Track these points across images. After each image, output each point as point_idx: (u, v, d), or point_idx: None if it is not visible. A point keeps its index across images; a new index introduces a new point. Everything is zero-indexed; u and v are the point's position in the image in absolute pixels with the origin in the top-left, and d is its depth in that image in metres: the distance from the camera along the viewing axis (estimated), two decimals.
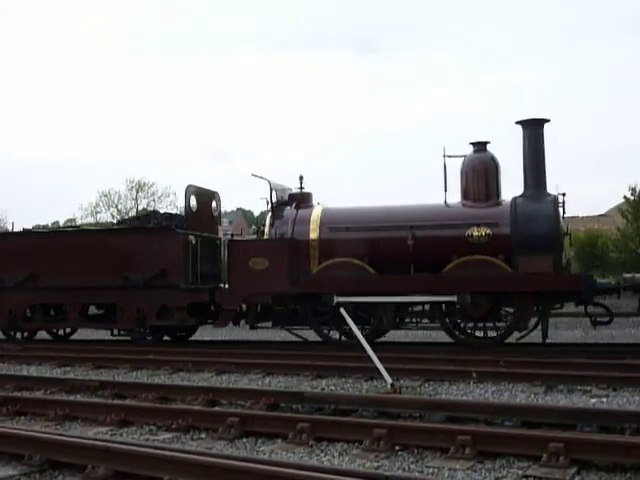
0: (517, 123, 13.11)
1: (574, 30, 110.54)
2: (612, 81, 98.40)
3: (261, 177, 14.00)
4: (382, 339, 13.33)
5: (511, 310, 12.70)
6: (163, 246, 14.05)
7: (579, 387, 8.57)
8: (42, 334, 15.88)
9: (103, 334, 15.73)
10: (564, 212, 12.95)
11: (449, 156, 13.36)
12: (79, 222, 42.78)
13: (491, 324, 12.78)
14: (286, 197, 14.38)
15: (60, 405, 7.62)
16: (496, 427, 6.41)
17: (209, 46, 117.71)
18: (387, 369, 8.34)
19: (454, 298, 12.36)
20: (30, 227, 21.92)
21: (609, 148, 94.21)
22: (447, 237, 12.93)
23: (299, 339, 14.02)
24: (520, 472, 5.18)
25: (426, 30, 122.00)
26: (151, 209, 37.85)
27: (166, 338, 15.01)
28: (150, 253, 14.07)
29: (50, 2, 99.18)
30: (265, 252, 13.52)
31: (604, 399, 7.89)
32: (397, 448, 5.82)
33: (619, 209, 36.46)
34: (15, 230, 17.41)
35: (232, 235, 15.48)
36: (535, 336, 12.59)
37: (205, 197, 15.40)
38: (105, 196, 45.72)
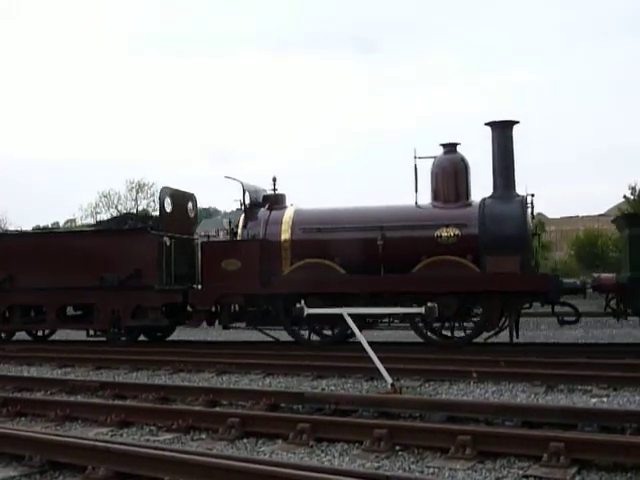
0: (486, 125, 13.26)
1: (574, 30, 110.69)
2: (612, 81, 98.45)
3: (234, 179, 14.25)
4: (382, 339, 13.33)
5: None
6: (138, 247, 14.25)
7: (580, 387, 8.57)
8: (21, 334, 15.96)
9: (76, 335, 15.88)
10: (533, 213, 13.23)
11: (420, 157, 13.52)
12: (79, 223, 42.74)
13: (460, 324, 12.92)
14: (260, 199, 14.53)
15: (60, 406, 7.61)
16: (496, 427, 6.40)
17: (209, 46, 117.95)
18: (387, 369, 8.34)
19: (421, 310, 12.49)
20: (30, 228, 21.93)
21: (609, 148, 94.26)
22: (416, 238, 13.06)
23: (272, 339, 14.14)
24: (521, 472, 5.18)
25: (426, 30, 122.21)
26: (151, 210, 37.87)
27: (143, 339, 15.24)
28: (125, 254, 14.25)
29: (50, 2, 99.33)
30: (237, 253, 13.72)
31: (605, 399, 7.89)
32: (397, 448, 5.82)
33: (619, 209, 36.42)
34: None
35: (209, 237, 15.65)
36: (535, 336, 12.61)
37: (181, 199, 15.62)
38: (105, 197, 45.66)
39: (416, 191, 13.49)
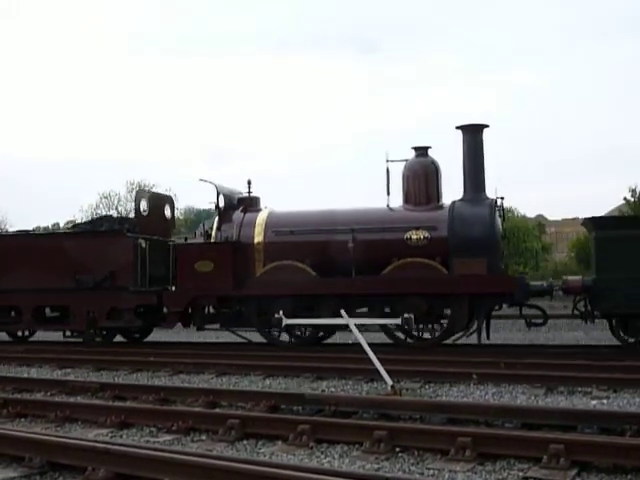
0: (457, 128, 13.35)
1: (574, 30, 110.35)
2: (612, 81, 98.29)
3: (209, 182, 14.35)
4: (381, 341, 13.32)
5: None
6: (113, 249, 14.39)
7: (579, 389, 8.56)
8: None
9: (57, 336, 15.87)
10: (503, 215, 13.39)
11: (391, 161, 13.60)
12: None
13: (431, 326, 13.02)
14: (235, 201, 14.60)
15: (60, 407, 7.61)
16: (496, 429, 6.41)
17: (209, 46, 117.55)
18: (387, 371, 8.34)
19: (398, 321, 12.59)
20: (30, 229, 21.91)
21: (609, 148, 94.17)
22: (387, 240, 13.16)
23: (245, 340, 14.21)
24: (520, 474, 5.18)
25: (426, 30, 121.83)
26: None
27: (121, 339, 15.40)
28: (100, 256, 14.38)
29: (50, 2, 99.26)
30: (210, 255, 13.85)
31: (604, 401, 7.89)
32: (397, 450, 5.82)
33: (620, 210, 36.43)
34: None
35: (186, 239, 15.75)
36: (536, 337, 12.61)
37: (158, 201, 15.84)
38: (105, 198, 45.66)
39: (388, 194, 13.62)
